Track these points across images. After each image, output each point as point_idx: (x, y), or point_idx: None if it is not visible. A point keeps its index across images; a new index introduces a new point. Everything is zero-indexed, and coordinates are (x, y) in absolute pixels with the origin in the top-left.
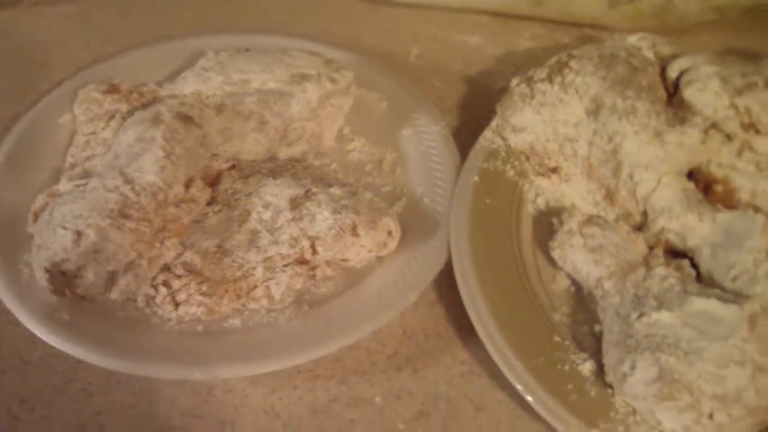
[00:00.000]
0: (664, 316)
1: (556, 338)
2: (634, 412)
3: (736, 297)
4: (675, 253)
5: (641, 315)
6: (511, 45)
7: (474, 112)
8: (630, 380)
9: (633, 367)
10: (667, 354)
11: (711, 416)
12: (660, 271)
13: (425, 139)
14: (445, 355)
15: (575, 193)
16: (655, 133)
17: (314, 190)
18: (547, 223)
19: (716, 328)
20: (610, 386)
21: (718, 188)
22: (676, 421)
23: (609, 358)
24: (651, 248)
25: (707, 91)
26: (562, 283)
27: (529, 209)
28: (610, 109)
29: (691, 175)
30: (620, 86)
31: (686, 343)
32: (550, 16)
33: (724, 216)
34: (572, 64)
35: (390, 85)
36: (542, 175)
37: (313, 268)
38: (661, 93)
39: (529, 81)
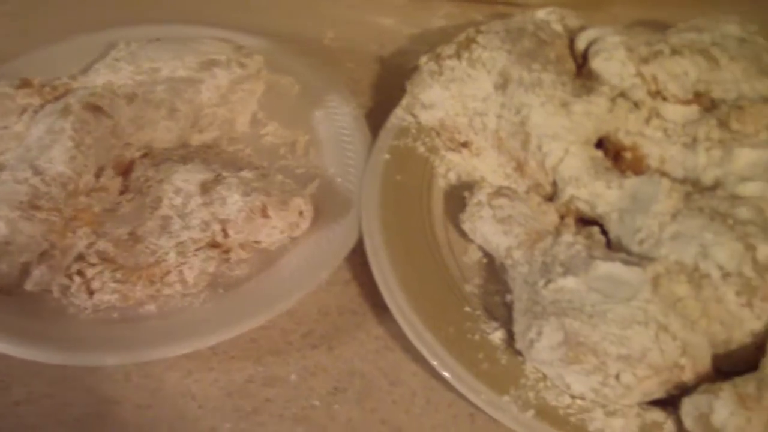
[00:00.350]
0: (569, 282)
1: (467, 309)
2: (544, 377)
3: (641, 260)
4: (586, 221)
5: (548, 282)
6: (425, 24)
7: (388, 92)
8: (537, 346)
9: (539, 333)
10: (571, 318)
11: (618, 377)
12: (567, 238)
13: (337, 120)
14: (359, 331)
15: (486, 166)
16: (561, 103)
17: (224, 174)
18: (459, 198)
19: (620, 290)
20: (521, 354)
21: (628, 155)
22: (585, 384)
23: (518, 325)
24: (562, 217)
25: (614, 60)
26: (473, 256)
27: (441, 184)
28: (516, 82)
29: (601, 143)
30: (527, 59)
31: (591, 307)
32: None
33: (631, 182)
34: (479, 39)
35: (302, 68)
36: (453, 150)
37: (227, 252)
38: (570, 65)
39: (438, 58)
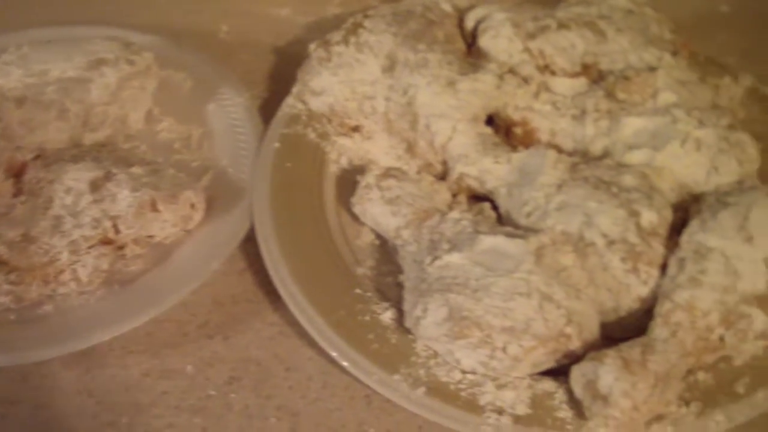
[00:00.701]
0: (454, 258)
1: (358, 291)
2: (435, 354)
3: (526, 232)
4: (479, 198)
5: (434, 259)
6: (320, 13)
7: (283, 82)
8: (423, 323)
9: (425, 310)
10: (455, 293)
11: (504, 350)
12: (454, 215)
13: (229, 112)
14: (255, 319)
15: (378, 149)
16: (448, 82)
17: (114, 171)
18: (351, 182)
19: (503, 263)
20: (412, 332)
21: (518, 130)
22: (473, 358)
23: (406, 304)
24: (455, 195)
25: (501, 37)
26: (366, 238)
27: (333, 169)
28: (403, 63)
29: (492, 120)
30: (412, 41)
31: (475, 281)
32: None
33: (518, 156)
34: (366, 23)
35: (195, 62)
36: (344, 134)
37: (121, 248)
38: (460, 44)
39: (327, 45)
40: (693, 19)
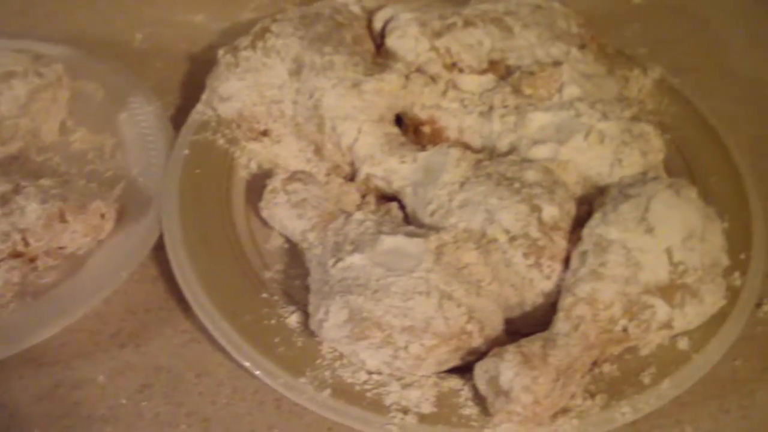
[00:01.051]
0: (356, 259)
1: (264, 295)
2: (341, 356)
3: (427, 231)
4: (388, 198)
5: (338, 261)
6: (235, 18)
7: (198, 89)
8: (326, 326)
9: (327, 312)
10: (356, 295)
11: (407, 349)
12: (358, 216)
13: (140, 121)
14: (166, 327)
15: (287, 152)
16: (353, 84)
17: (24, 184)
18: (261, 186)
19: (403, 263)
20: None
21: (426, 129)
22: (377, 359)
23: (311, 307)
24: (364, 196)
25: (407, 36)
26: (276, 242)
27: (242, 174)
28: (309, 66)
29: (401, 120)
30: (318, 44)
31: (375, 282)
32: None
33: (423, 155)
34: (273, 28)
35: (108, 72)
36: (253, 139)
37: (32, 260)
38: (369, 45)
39: (234, 50)
40: (606, 10)
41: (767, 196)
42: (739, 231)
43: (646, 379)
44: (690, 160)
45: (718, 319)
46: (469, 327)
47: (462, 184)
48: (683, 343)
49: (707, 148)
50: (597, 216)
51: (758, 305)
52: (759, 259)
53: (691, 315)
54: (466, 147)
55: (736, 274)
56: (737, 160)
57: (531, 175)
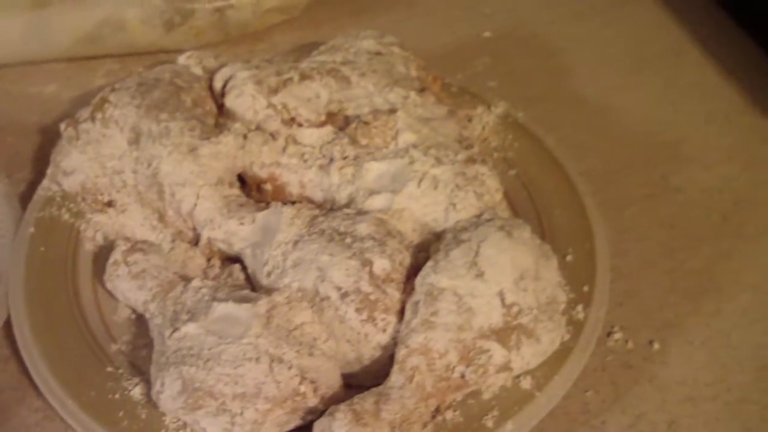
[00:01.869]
0: (190, 328)
1: (109, 369)
2: (184, 425)
3: (258, 295)
4: (234, 260)
5: (174, 330)
6: (87, 86)
7: (48, 163)
8: (162, 397)
9: (163, 384)
10: (189, 365)
11: (242, 415)
12: (195, 283)
13: None
14: (20, 406)
15: (133, 221)
16: (189, 149)
17: None
18: (107, 258)
19: (233, 329)
20: None
21: (268, 187)
22: (217, 426)
23: (152, 378)
24: (210, 259)
25: (244, 95)
26: (123, 313)
27: (89, 247)
28: (147, 135)
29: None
30: (155, 111)
31: (207, 350)
32: (115, 52)
33: (261, 215)
34: (111, 98)
35: None
36: (99, 211)
37: None
38: (210, 106)
39: (75, 123)
40: (457, 46)
41: (615, 224)
42: (583, 263)
43: (490, 423)
44: (535, 194)
45: (561, 355)
46: (302, 388)
47: (296, 243)
48: (526, 383)
49: (551, 181)
50: (429, 264)
51: (609, 334)
52: (602, 291)
53: (529, 355)
54: (309, 201)
55: (580, 307)
56: (581, 190)
57: (363, 228)
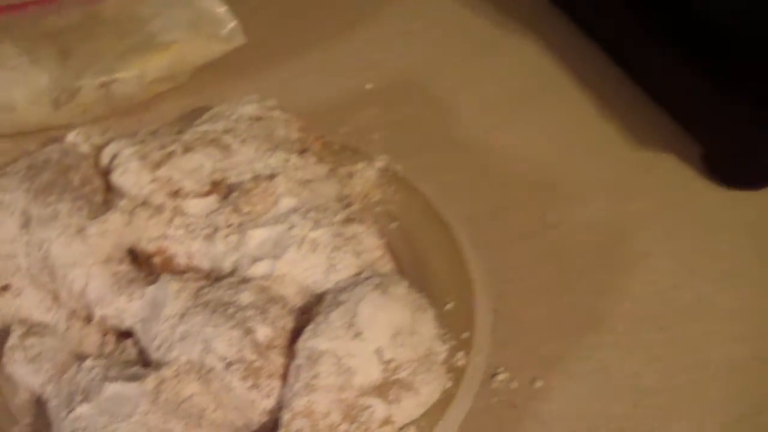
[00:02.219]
0: (84, 409)
1: None
2: None
3: (148, 371)
4: (129, 335)
5: (69, 412)
6: None
7: None
8: None
9: None
10: None
11: None
12: (88, 363)
13: None
14: None
15: (29, 303)
16: (77, 230)
17: None
18: (4, 343)
19: (123, 408)
20: None
21: (157, 260)
22: None
23: None
24: (105, 335)
25: (129, 172)
26: (24, 395)
27: None
28: (36, 219)
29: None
30: (43, 194)
31: (101, 430)
32: (5, 132)
33: (149, 290)
34: (1, 183)
35: None
36: None
37: None
38: (98, 183)
39: None
40: (343, 99)
41: (496, 266)
42: (462, 311)
43: None
44: (416, 245)
45: (444, 402)
46: None
47: (182, 316)
48: None
49: (430, 231)
50: (309, 328)
51: (493, 376)
52: (482, 336)
53: (411, 407)
54: (197, 271)
55: (460, 354)
56: (460, 237)
57: (245, 296)
